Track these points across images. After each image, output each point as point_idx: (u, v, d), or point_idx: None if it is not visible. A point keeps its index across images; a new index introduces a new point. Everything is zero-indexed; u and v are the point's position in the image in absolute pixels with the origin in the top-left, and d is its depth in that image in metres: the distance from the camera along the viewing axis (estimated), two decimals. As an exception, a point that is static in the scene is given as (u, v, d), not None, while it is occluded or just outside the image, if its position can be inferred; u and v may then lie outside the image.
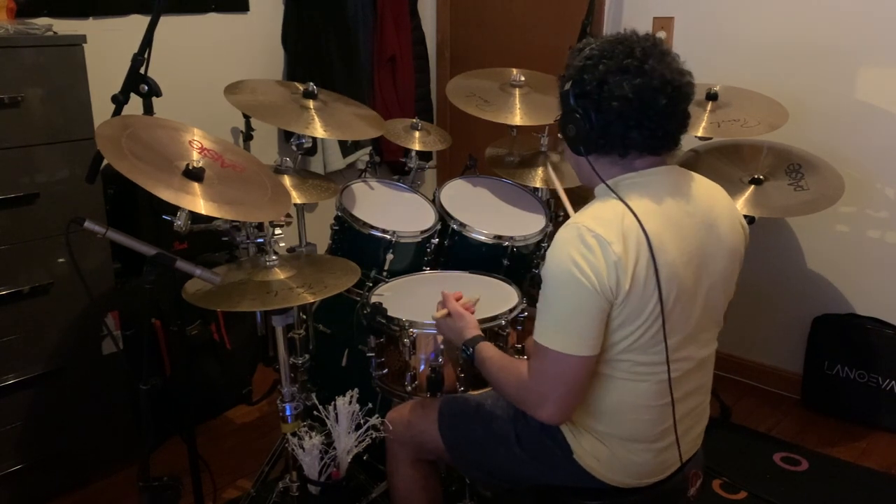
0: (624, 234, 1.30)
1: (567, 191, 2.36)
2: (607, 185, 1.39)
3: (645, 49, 1.33)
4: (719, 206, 1.46)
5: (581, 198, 2.52)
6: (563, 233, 1.34)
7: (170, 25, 2.59)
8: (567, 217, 1.43)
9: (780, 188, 2.42)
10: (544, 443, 1.50)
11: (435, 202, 2.39)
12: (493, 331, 1.87)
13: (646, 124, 1.33)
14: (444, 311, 1.73)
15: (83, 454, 2.33)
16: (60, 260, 2.17)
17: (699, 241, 1.38)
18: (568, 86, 1.38)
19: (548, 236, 2.35)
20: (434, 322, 1.77)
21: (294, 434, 1.82)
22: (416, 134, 2.59)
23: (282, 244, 1.89)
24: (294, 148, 2.17)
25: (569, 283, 1.30)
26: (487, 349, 1.57)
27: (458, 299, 1.76)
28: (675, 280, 1.34)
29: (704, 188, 1.47)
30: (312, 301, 1.78)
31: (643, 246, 1.30)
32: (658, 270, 1.30)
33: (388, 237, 2.18)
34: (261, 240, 1.86)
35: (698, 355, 1.45)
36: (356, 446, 1.78)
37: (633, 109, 1.32)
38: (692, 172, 1.48)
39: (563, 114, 1.40)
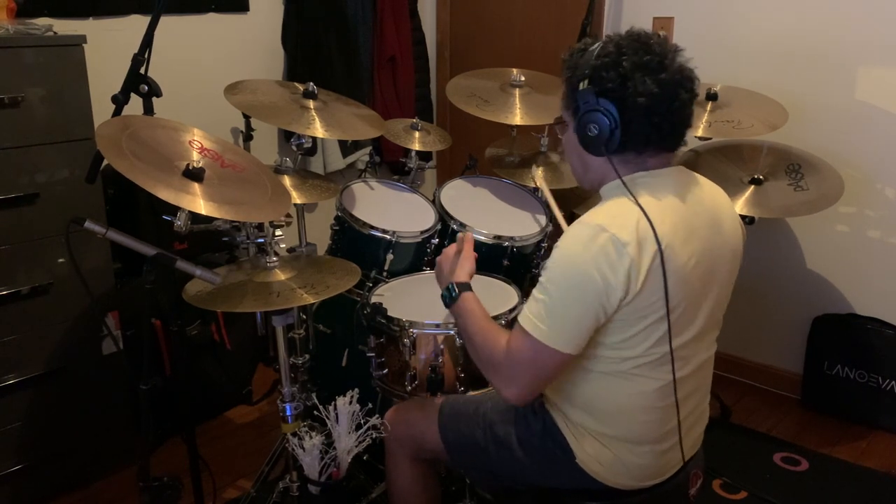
0: (639, 236, 1.29)
1: (563, 192, 2.37)
2: (625, 185, 1.36)
3: (661, 44, 1.33)
4: (722, 206, 1.46)
5: (580, 197, 2.55)
6: (577, 229, 1.33)
7: (170, 25, 2.59)
8: (555, 221, 1.41)
9: (780, 188, 2.42)
10: (546, 446, 1.50)
11: (435, 202, 2.39)
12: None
13: (669, 118, 1.33)
14: (453, 250, 1.68)
15: (83, 454, 2.33)
16: (60, 260, 2.17)
17: (708, 242, 1.38)
18: (584, 84, 1.35)
19: (548, 236, 2.35)
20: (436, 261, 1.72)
21: (294, 434, 1.82)
22: (416, 134, 2.59)
23: (282, 245, 1.89)
24: (294, 148, 2.17)
25: (573, 283, 1.30)
26: (472, 301, 1.53)
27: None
28: (684, 282, 1.33)
29: (708, 188, 1.47)
30: (314, 301, 1.78)
31: (655, 250, 1.29)
32: (666, 274, 1.30)
33: (388, 237, 2.18)
34: (261, 240, 1.86)
35: (700, 356, 1.45)
36: (356, 446, 1.78)
37: (659, 104, 1.31)
38: (694, 173, 1.48)
39: (584, 113, 1.35)
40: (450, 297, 1.56)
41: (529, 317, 1.34)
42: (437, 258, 1.72)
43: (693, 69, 1.37)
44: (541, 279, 1.35)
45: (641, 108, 1.31)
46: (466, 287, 1.57)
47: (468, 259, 1.65)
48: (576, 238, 1.32)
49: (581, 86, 1.35)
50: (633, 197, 1.33)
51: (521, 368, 1.36)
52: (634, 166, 1.38)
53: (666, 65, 1.31)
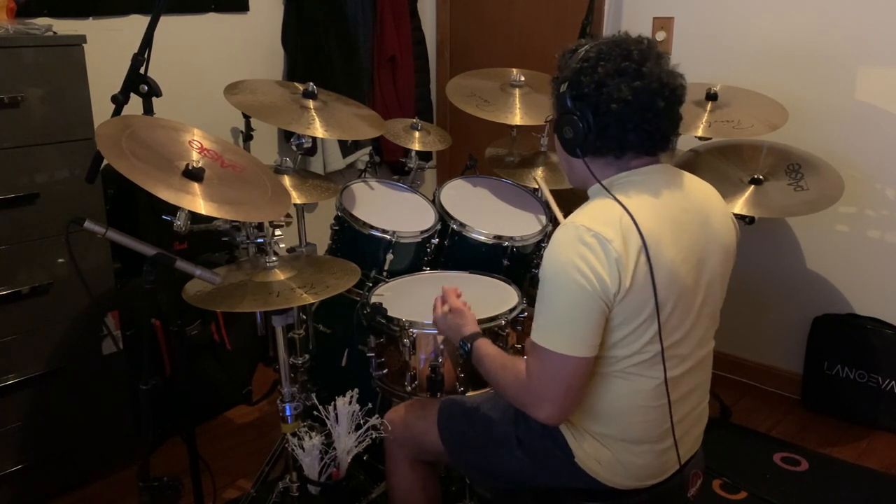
0: (623, 233, 1.30)
1: (563, 192, 2.37)
2: (603, 186, 1.38)
3: (642, 52, 1.34)
4: (711, 202, 1.47)
5: (579, 198, 2.55)
6: (561, 233, 1.34)
7: (170, 25, 2.59)
8: (556, 221, 1.43)
9: (780, 188, 2.42)
10: (545, 446, 1.50)
11: (435, 202, 2.39)
12: (492, 331, 1.87)
13: (644, 126, 1.34)
14: (446, 308, 1.72)
15: (83, 454, 2.33)
16: (60, 260, 2.17)
17: (696, 238, 1.39)
18: (564, 87, 1.38)
19: (548, 236, 2.35)
20: (433, 322, 1.76)
21: (294, 434, 1.82)
22: (416, 134, 2.59)
23: (282, 245, 1.89)
24: (294, 148, 2.17)
25: (568, 286, 1.30)
26: (486, 346, 1.57)
27: (457, 296, 1.76)
28: (675, 279, 1.34)
29: (697, 185, 1.48)
30: (313, 301, 1.78)
31: (640, 245, 1.30)
32: (654, 270, 1.30)
33: (388, 237, 2.18)
34: (261, 240, 1.86)
35: (696, 354, 1.45)
36: (356, 446, 1.78)
37: (632, 112, 1.32)
38: (683, 171, 1.49)
39: (560, 116, 1.40)
40: (466, 353, 1.60)
41: (539, 331, 1.35)
42: (434, 319, 1.75)
43: (679, 76, 1.37)
44: (538, 291, 1.36)
45: (615, 114, 1.32)
46: (475, 337, 1.60)
47: (461, 313, 1.69)
48: (561, 241, 1.33)
49: (562, 88, 1.38)
50: (614, 196, 1.34)
51: (546, 385, 1.35)
52: (616, 168, 1.40)
53: (643, 72, 1.32)
